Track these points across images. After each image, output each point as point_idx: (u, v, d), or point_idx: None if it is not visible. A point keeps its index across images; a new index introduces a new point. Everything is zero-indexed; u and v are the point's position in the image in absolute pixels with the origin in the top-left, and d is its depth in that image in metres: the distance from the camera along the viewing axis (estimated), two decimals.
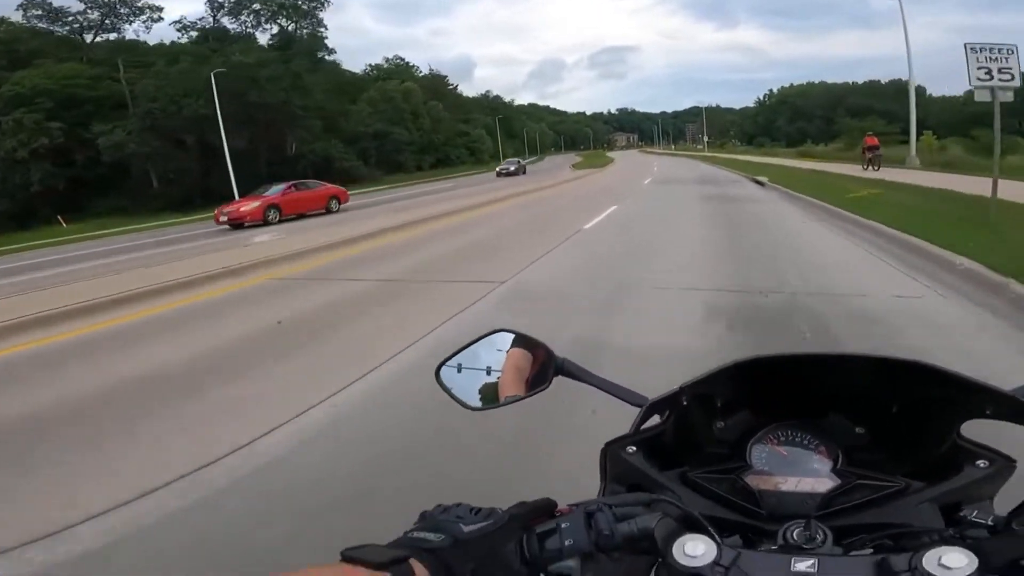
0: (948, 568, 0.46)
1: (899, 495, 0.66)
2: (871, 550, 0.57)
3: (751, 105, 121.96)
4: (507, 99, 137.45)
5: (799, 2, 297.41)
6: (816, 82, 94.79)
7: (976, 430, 0.67)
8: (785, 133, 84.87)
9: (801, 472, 0.69)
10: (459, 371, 0.84)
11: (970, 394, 0.65)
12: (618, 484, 0.72)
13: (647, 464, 0.71)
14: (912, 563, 0.48)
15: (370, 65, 74.82)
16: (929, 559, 0.47)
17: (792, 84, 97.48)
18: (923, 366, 0.67)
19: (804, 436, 0.72)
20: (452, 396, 0.84)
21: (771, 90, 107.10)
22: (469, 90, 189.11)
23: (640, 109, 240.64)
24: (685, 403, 0.71)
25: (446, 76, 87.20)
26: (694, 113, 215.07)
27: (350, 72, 63.26)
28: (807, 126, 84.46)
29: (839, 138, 51.67)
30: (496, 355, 0.84)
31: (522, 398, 0.82)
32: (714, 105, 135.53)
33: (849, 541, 0.60)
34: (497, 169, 41.89)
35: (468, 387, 0.84)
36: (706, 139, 56.34)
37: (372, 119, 53.84)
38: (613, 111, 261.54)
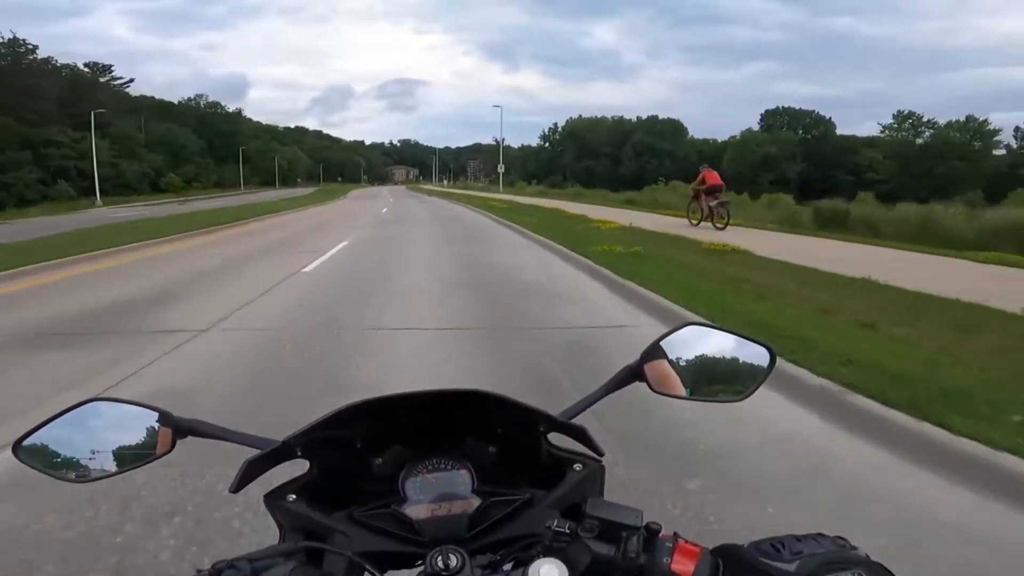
0: None
1: (528, 506, 0.72)
2: (511, 563, 0.63)
3: (532, 144, 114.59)
4: (291, 125, 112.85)
5: (567, 51, 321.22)
6: (602, 116, 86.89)
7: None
8: (573, 171, 74.07)
9: (449, 496, 0.72)
10: (51, 444, 0.74)
11: (527, 415, 0.73)
12: (296, 533, 0.70)
13: (311, 510, 0.71)
14: None
15: None
16: (532, 572, 0.55)
17: (581, 116, 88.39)
18: (484, 395, 0.73)
19: (447, 461, 0.75)
20: (42, 471, 0.74)
21: (555, 124, 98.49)
22: (249, 113, 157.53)
23: (424, 143, 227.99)
24: (300, 453, 0.72)
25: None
26: (475, 150, 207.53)
27: None
28: (594, 164, 74.79)
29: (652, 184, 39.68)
30: (96, 424, 0.76)
31: (141, 464, 0.75)
32: (494, 143, 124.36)
33: (494, 559, 0.65)
34: None
35: (64, 459, 0.74)
36: (501, 171, 40.08)
37: None
38: (396, 142, 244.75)
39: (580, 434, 0.75)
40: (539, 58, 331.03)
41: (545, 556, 0.57)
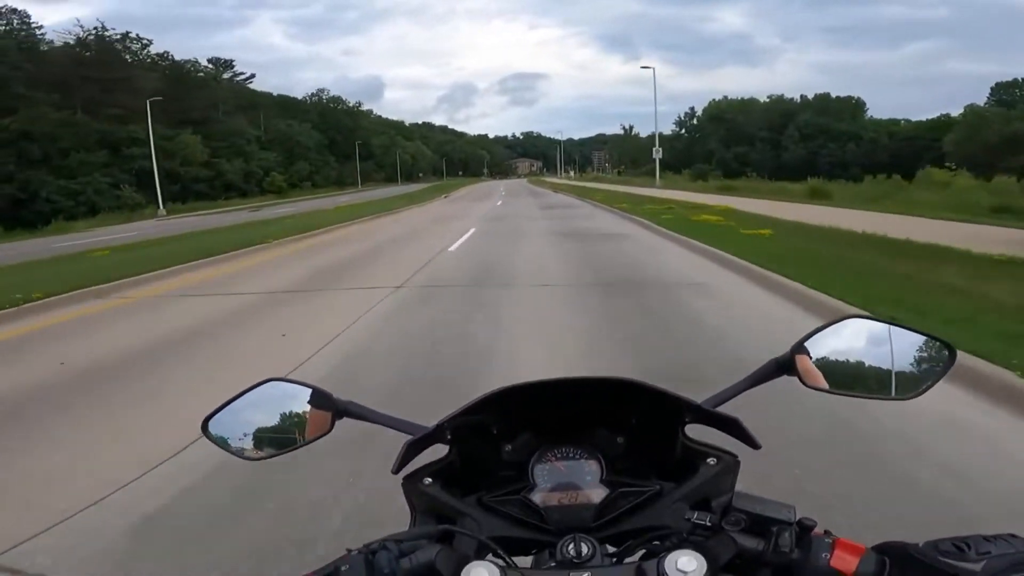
0: (683, 572, 0.53)
1: (656, 498, 0.71)
2: (640, 553, 0.62)
3: (664, 132, 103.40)
4: (419, 121, 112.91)
5: (690, 37, 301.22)
6: (751, 97, 74.67)
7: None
8: (722, 159, 63.40)
9: (577, 485, 0.72)
10: (231, 422, 0.80)
11: (672, 403, 0.72)
12: (427, 515, 0.73)
13: (445, 494, 0.73)
14: (659, 568, 0.54)
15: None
16: (669, 563, 0.54)
17: (726, 97, 76.79)
18: (629, 383, 0.72)
19: (577, 451, 0.75)
20: (224, 447, 0.80)
21: (692, 109, 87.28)
22: (383, 112, 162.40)
23: (546, 135, 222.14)
24: (449, 437, 0.75)
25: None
26: (599, 140, 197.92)
27: None
28: (747, 151, 63.57)
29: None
30: (269, 403, 0.81)
31: (301, 445, 0.80)
32: (622, 131, 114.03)
33: (622, 548, 0.66)
34: None
35: (241, 437, 0.80)
36: (658, 156, 32.09)
37: None
38: (518, 135, 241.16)
39: (733, 425, 0.72)
40: (659, 46, 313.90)
41: (682, 548, 0.56)
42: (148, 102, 33.61)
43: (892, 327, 0.76)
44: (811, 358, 0.76)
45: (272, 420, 0.81)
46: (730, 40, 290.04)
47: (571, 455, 0.74)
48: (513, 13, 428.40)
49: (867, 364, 0.76)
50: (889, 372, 0.75)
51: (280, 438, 0.81)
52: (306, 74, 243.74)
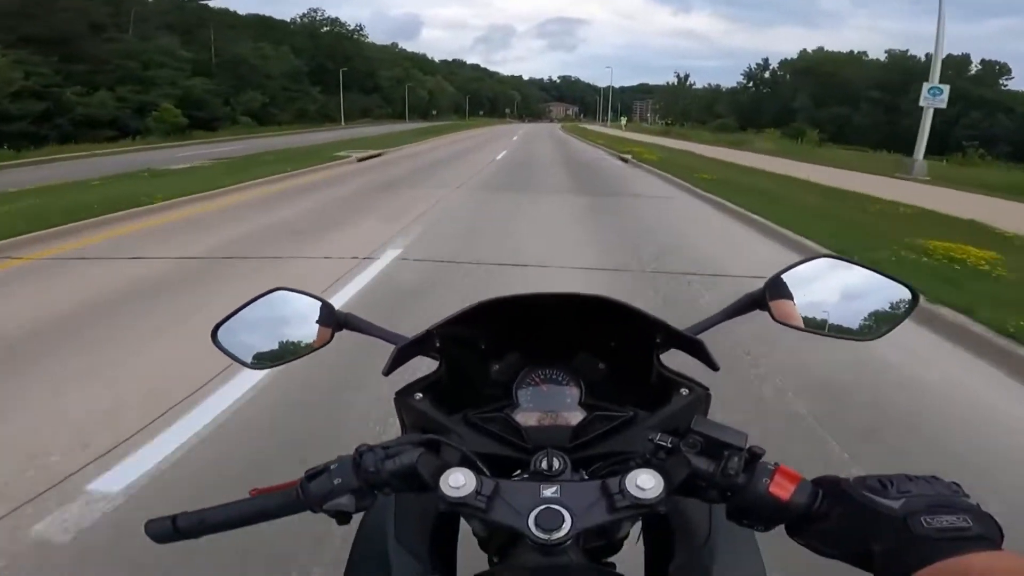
0: (643, 488, 0.56)
1: (630, 423, 0.74)
2: (607, 473, 0.63)
3: (712, 85, 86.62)
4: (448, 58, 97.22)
5: None
6: (858, 51, 58.90)
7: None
8: (813, 119, 48.59)
9: (556, 407, 0.76)
10: (238, 332, 0.81)
11: (647, 325, 0.74)
12: (415, 430, 0.75)
13: (433, 409, 0.75)
14: (621, 484, 0.57)
15: None
16: (630, 480, 0.57)
17: (822, 48, 61.12)
18: (607, 301, 0.74)
19: (559, 374, 0.78)
20: (231, 356, 0.81)
21: (766, 60, 71.83)
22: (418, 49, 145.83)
23: (585, 80, 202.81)
24: (439, 344, 0.76)
25: None
26: (642, 90, 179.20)
27: None
28: (849, 112, 48.75)
29: None
30: (274, 313, 0.83)
31: (304, 354, 0.82)
32: (676, 80, 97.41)
33: (593, 468, 0.69)
34: None
35: (247, 347, 0.82)
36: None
37: None
38: (555, 79, 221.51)
39: (698, 348, 0.75)
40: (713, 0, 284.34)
41: (644, 467, 0.58)
42: None
43: (861, 268, 0.79)
44: (783, 295, 0.78)
45: (277, 329, 0.82)
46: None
47: (553, 378, 0.78)
48: None
49: (834, 302, 0.78)
50: (855, 312, 0.78)
51: (284, 347, 0.82)
52: (345, 10, 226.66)
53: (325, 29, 70.99)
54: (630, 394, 0.77)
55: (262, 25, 61.45)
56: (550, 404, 0.75)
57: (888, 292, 0.77)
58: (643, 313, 0.74)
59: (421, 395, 0.76)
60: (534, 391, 0.77)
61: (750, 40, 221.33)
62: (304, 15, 72.27)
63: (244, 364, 0.81)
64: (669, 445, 0.61)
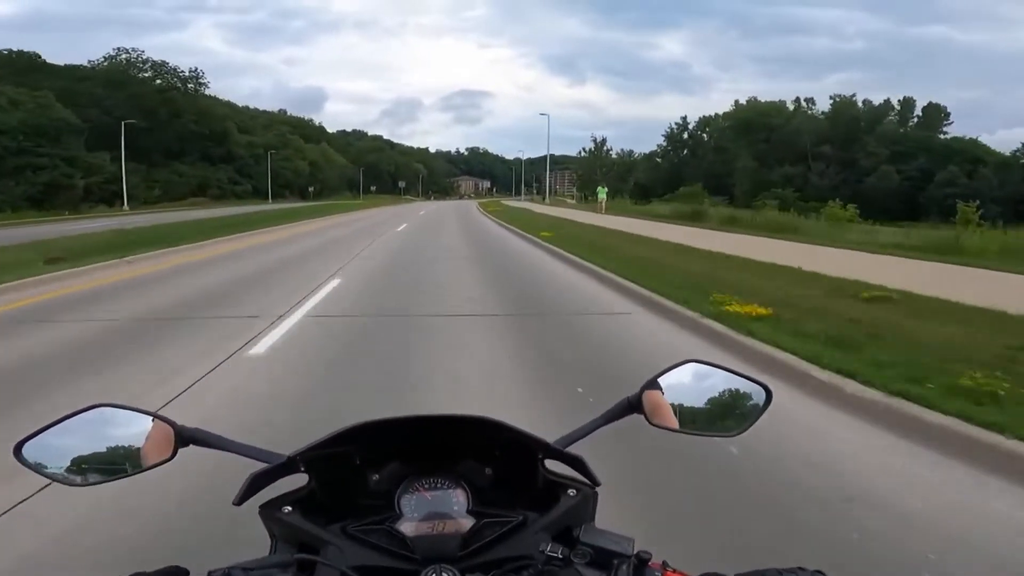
0: None
1: (521, 527, 0.73)
2: None
3: (625, 151, 79.92)
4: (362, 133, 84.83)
5: (632, 64, 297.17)
6: (794, 100, 52.06)
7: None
8: (756, 184, 39.55)
9: (444, 515, 0.73)
10: (51, 449, 0.74)
11: (525, 440, 0.75)
12: (288, 544, 0.71)
13: (307, 522, 0.72)
14: None
15: None
16: None
17: (755, 99, 54.30)
18: (487, 421, 0.74)
19: (444, 481, 0.76)
20: (40, 472, 0.74)
21: (684, 118, 64.90)
22: (327, 125, 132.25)
23: (494, 152, 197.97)
24: (303, 469, 0.73)
25: None
26: (556, 161, 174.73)
27: None
28: (805, 172, 39.98)
29: None
30: (98, 431, 0.76)
31: (136, 472, 0.76)
32: (592, 145, 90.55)
33: None
34: None
35: (64, 464, 0.75)
36: None
37: None
38: (463, 151, 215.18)
39: (578, 463, 0.76)
40: (604, 71, 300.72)
41: None
42: None
43: (723, 371, 0.84)
44: (655, 397, 0.82)
45: (102, 446, 0.76)
46: (668, 68, 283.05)
47: (438, 485, 0.75)
48: (464, 32, 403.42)
49: (702, 403, 0.83)
50: (721, 411, 0.84)
51: (109, 467, 0.75)
52: (244, 80, 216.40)
53: (145, 75, 55.10)
54: (519, 497, 0.76)
55: (28, 67, 47.20)
56: (437, 512, 0.72)
57: (746, 389, 0.84)
58: (521, 432, 0.74)
59: (290, 508, 0.71)
60: (418, 500, 0.73)
61: (636, 108, 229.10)
62: (110, 56, 55.11)
63: (64, 483, 0.74)
64: (560, 556, 0.62)
